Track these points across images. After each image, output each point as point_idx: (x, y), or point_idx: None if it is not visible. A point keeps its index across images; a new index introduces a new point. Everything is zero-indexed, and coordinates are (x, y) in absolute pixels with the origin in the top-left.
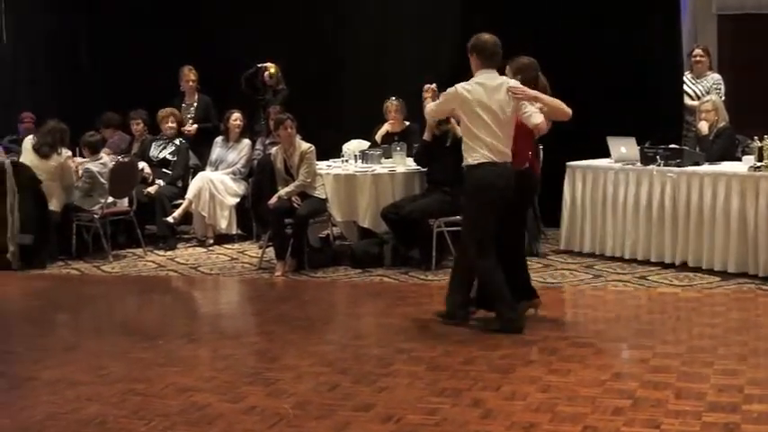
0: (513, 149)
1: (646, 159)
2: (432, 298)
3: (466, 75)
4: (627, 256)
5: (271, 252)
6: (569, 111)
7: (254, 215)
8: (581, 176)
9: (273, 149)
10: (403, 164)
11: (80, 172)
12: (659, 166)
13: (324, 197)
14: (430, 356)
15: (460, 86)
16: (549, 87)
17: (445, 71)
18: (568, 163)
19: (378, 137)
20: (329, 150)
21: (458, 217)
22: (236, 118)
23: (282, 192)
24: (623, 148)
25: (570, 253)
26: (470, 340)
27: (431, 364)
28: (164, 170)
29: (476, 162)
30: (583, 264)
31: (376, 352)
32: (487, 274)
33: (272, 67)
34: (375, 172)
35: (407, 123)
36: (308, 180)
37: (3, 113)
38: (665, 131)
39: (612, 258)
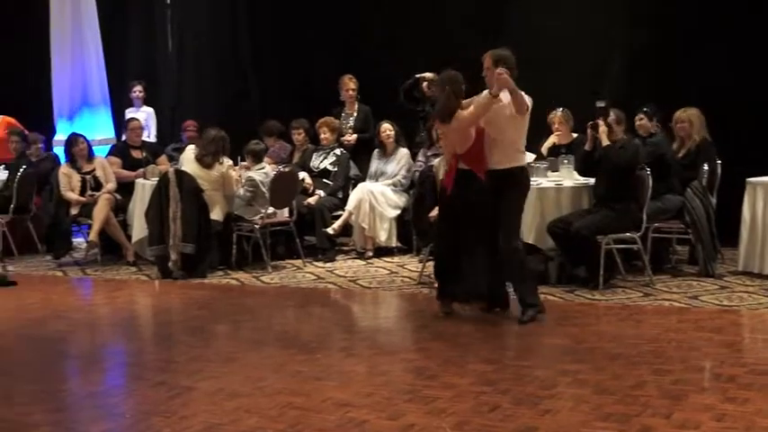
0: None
1: None
2: (599, 318)
3: (632, 84)
4: None
5: (431, 266)
6: None
7: (415, 228)
8: (762, 193)
9: (436, 161)
10: (570, 177)
11: (242, 180)
12: None
13: None
14: (596, 379)
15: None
16: None
17: (611, 81)
18: (749, 179)
19: (544, 149)
20: None
21: (628, 234)
22: (384, 129)
23: None
24: None
25: (749, 275)
26: (640, 363)
27: (597, 387)
28: (324, 180)
29: (525, 163)
30: (763, 286)
31: (539, 373)
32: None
33: (429, 77)
34: (541, 185)
35: (575, 135)
36: None
37: (168, 121)
38: None
39: None
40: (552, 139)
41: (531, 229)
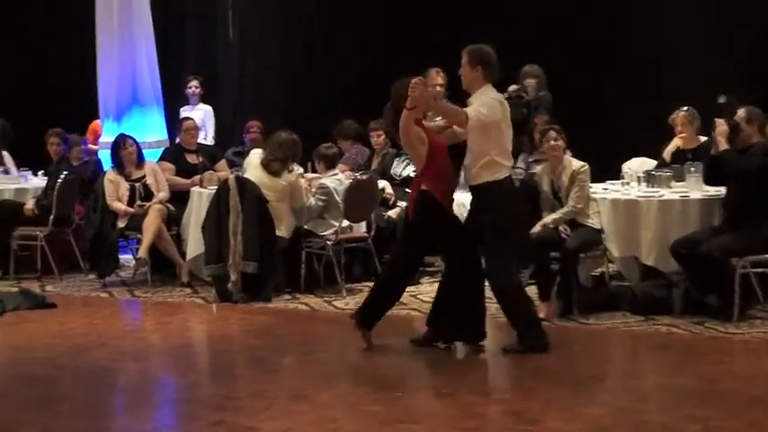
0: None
1: None
2: (733, 355)
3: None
4: None
5: (532, 291)
6: None
7: None
8: None
9: (538, 168)
10: (698, 188)
11: (313, 189)
12: None
13: (598, 227)
14: (730, 427)
15: (500, 97)
16: None
17: (735, 79)
18: None
19: (666, 155)
20: (606, 170)
21: (767, 255)
22: None
23: (548, 219)
24: None
25: None
26: None
27: None
28: (407, 190)
29: (504, 176)
30: None
31: (661, 419)
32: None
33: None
34: (663, 197)
35: (703, 139)
36: (580, 206)
37: (228, 120)
38: None
39: None
40: (676, 143)
41: (651, 249)
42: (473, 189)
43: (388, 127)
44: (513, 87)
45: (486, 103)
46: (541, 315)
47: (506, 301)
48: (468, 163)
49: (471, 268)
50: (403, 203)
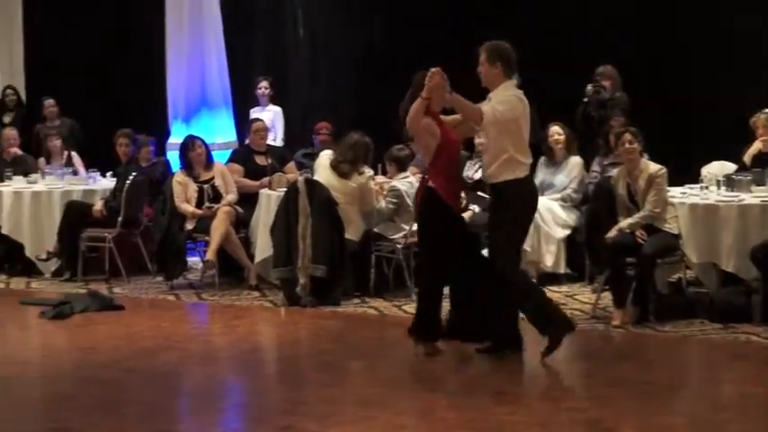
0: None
1: None
2: None
3: None
4: None
5: (607, 297)
6: None
7: (588, 251)
8: None
9: (614, 171)
10: None
11: (384, 192)
12: None
13: (676, 232)
14: None
15: (520, 93)
16: None
17: None
18: None
19: (747, 158)
20: (684, 174)
21: None
22: (553, 133)
23: (624, 224)
24: None
25: None
26: None
27: None
28: (479, 194)
29: (525, 174)
30: None
31: (740, 428)
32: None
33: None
34: (743, 202)
35: None
36: (657, 210)
37: (297, 122)
38: None
39: None
40: (757, 146)
41: (730, 255)
42: (492, 187)
43: (404, 118)
44: (589, 87)
45: (503, 100)
46: (616, 322)
47: (522, 298)
48: (486, 160)
49: (473, 268)
50: (475, 207)
